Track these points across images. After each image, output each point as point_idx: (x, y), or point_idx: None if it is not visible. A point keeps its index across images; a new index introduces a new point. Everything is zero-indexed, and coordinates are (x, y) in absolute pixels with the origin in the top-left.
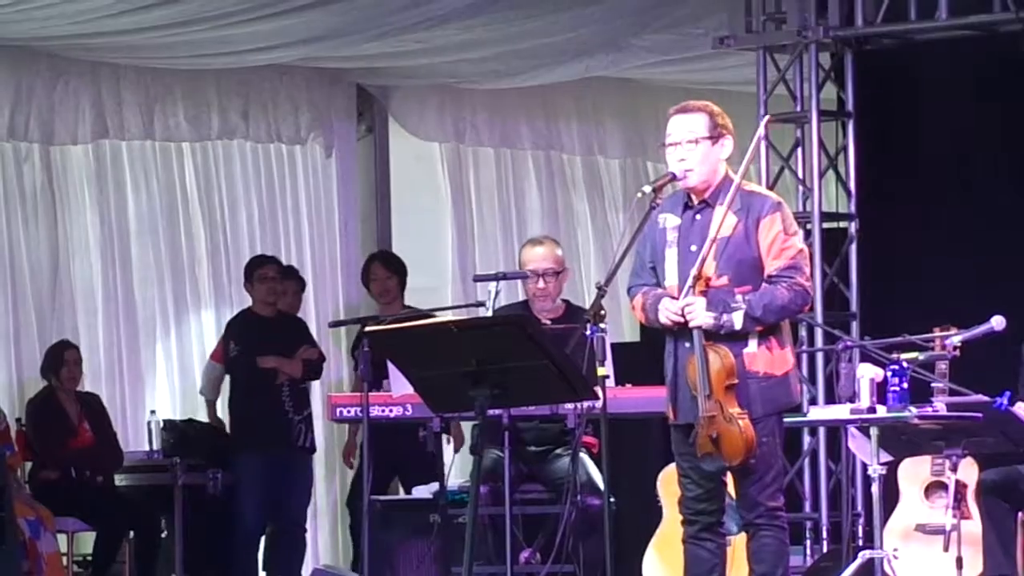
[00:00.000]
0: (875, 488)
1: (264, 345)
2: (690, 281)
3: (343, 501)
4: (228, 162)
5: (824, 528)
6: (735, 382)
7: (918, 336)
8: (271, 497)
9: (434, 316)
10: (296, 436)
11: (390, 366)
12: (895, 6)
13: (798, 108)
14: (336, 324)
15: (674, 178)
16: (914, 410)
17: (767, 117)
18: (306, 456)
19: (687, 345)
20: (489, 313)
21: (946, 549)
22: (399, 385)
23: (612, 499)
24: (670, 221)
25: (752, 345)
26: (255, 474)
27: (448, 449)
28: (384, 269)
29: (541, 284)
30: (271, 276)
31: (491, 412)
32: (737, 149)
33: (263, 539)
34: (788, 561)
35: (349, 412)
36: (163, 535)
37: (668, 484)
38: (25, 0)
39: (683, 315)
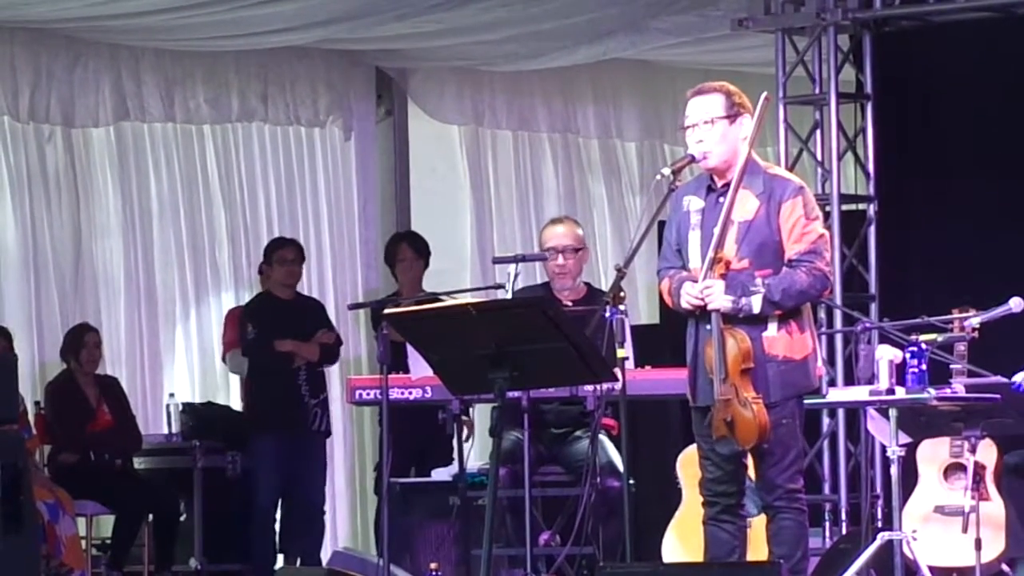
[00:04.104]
0: (894, 470)
1: (282, 328)
2: (707, 263)
3: (362, 484)
4: (248, 144)
5: (843, 510)
6: (751, 366)
7: (937, 317)
8: (286, 480)
9: (453, 298)
10: (312, 420)
11: (409, 348)
12: None
13: (817, 90)
14: (355, 307)
15: (693, 160)
16: (933, 391)
17: (765, 93)
18: (321, 439)
19: (707, 328)
20: (508, 295)
21: (965, 531)
22: (418, 367)
23: (631, 481)
24: (694, 204)
25: (772, 329)
26: (270, 457)
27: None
28: (412, 251)
29: (561, 260)
30: (290, 259)
31: (510, 394)
32: (756, 134)
33: (283, 522)
34: (807, 543)
35: (368, 395)
36: (182, 518)
37: (688, 466)
38: None
39: (702, 298)
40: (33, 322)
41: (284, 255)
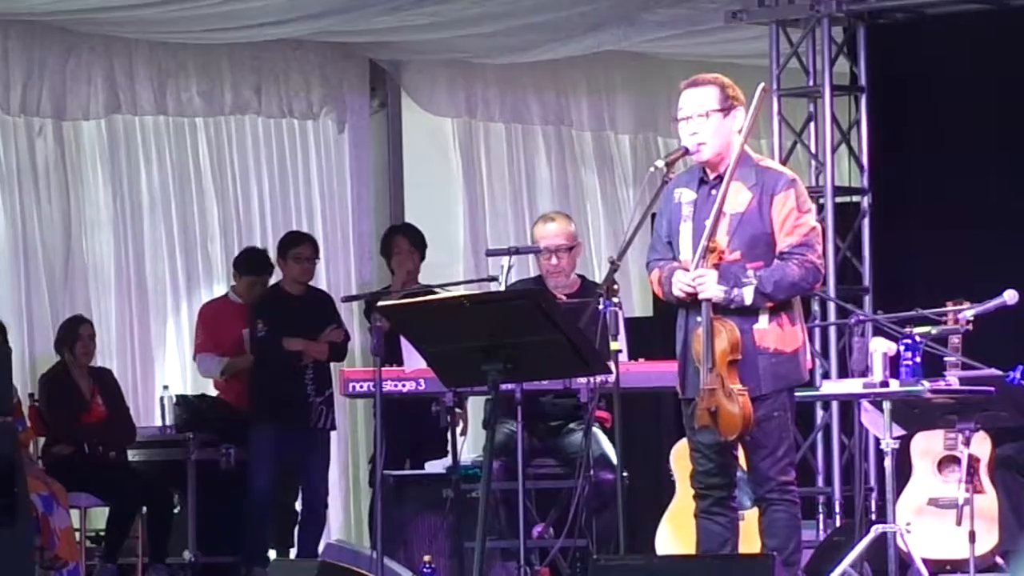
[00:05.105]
0: (888, 462)
1: (292, 325)
2: (700, 252)
3: (355, 476)
4: (240, 137)
5: (837, 502)
6: (739, 358)
7: (931, 310)
8: (284, 473)
9: (446, 291)
10: (316, 418)
11: (403, 341)
12: None
13: (810, 82)
14: (349, 299)
15: (686, 152)
16: (927, 384)
17: (762, 84)
18: (325, 435)
19: (697, 319)
20: (501, 288)
21: (959, 523)
22: (412, 360)
23: (625, 473)
24: (686, 196)
25: (763, 321)
26: (269, 449)
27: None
28: (408, 243)
29: (554, 261)
30: (307, 256)
31: (504, 387)
32: (753, 125)
33: (284, 515)
34: (800, 535)
35: (362, 387)
36: (176, 510)
37: (681, 458)
38: None
39: (694, 286)
40: (23, 315)
41: (301, 252)
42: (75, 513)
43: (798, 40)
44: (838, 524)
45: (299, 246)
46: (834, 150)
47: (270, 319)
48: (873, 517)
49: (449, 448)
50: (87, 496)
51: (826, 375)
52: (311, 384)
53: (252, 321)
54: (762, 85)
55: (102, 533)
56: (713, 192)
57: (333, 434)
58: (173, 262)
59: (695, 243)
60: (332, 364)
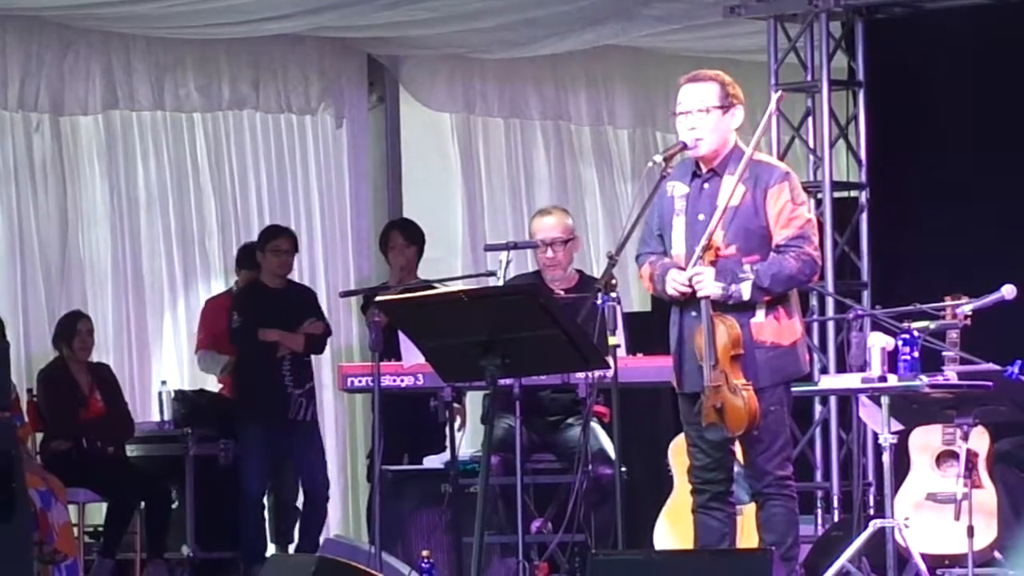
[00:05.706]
0: (886, 457)
1: (269, 317)
2: (699, 252)
3: (353, 471)
4: (238, 132)
5: (835, 497)
6: (741, 352)
7: (929, 305)
8: (273, 468)
9: (444, 286)
10: (297, 410)
11: (401, 335)
12: None
13: (809, 77)
14: (347, 294)
15: (684, 147)
16: (925, 379)
17: (780, 92)
18: (310, 428)
19: (693, 315)
20: (500, 283)
21: (957, 518)
22: (411, 355)
23: (623, 468)
24: (678, 190)
25: (760, 315)
26: (257, 444)
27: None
28: (402, 238)
29: (550, 253)
30: (285, 249)
31: (502, 382)
32: (747, 118)
33: (283, 511)
34: (798, 530)
35: (360, 382)
36: (174, 505)
37: (679, 453)
38: None
39: (691, 285)
40: (20, 311)
41: (279, 245)
42: (73, 508)
43: (796, 35)
44: (836, 519)
45: (277, 239)
46: (832, 145)
47: (244, 310)
48: (871, 512)
49: (447, 443)
50: (85, 491)
51: (824, 370)
52: (289, 375)
53: (228, 314)
54: (780, 93)
55: (100, 528)
56: (706, 186)
57: (332, 428)
58: (170, 258)
59: (687, 237)
60: (315, 357)
